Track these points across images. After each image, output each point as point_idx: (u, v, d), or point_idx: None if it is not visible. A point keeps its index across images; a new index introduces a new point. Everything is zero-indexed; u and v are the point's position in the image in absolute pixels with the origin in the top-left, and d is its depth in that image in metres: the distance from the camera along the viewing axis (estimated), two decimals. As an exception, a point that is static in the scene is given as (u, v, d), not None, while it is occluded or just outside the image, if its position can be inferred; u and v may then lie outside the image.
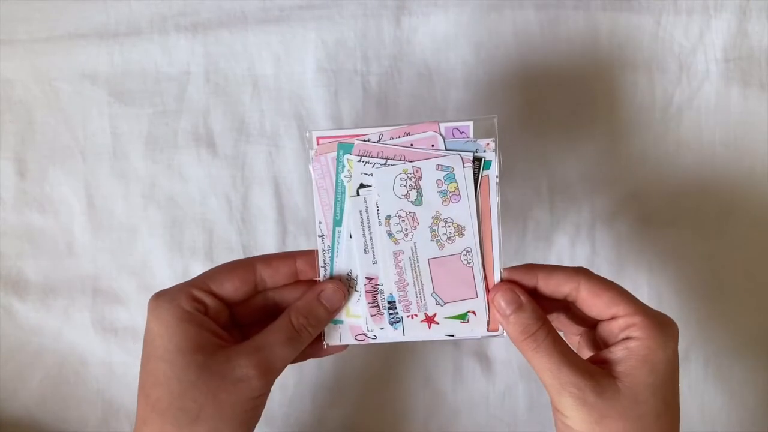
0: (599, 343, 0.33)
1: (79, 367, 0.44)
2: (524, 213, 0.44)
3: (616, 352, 0.31)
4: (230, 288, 0.32)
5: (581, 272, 0.32)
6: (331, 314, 0.32)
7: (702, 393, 0.46)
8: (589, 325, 0.34)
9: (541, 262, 0.44)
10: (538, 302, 0.31)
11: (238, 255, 0.43)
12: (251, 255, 0.43)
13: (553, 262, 0.45)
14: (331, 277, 0.33)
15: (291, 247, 0.44)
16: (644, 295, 0.45)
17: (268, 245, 0.44)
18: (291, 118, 0.44)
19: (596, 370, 0.30)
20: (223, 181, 0.44)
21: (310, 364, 0.44)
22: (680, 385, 0.45)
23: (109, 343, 0.43)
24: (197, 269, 0.43)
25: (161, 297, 0.31)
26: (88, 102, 0.43)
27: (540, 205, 0.44)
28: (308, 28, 0.43)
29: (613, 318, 0.31)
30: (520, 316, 0.31)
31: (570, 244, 0.45)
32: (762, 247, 0.45)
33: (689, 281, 0.45)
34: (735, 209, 0.45)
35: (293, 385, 0.44)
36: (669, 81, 0.45)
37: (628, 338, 0.30)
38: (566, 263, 0.45)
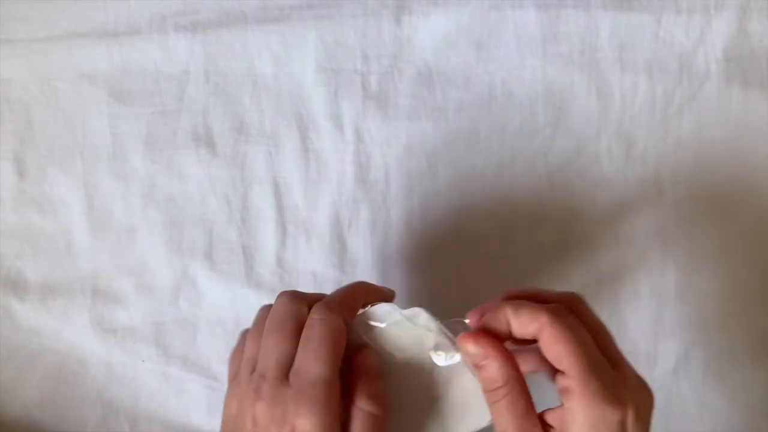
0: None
1: (79, 368, 0.44)
2: (524, 211, 0.44)
3: (553, 419, 0.30)
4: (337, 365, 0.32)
5: (547, 311, 0.30)
6: None
7: (702, 393, 0.46)
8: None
9: (546, 261, 0.44)
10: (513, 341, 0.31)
11: (237, 255, 0.43)
12: (251, 255, 0.43)
13: (553, 263, 0.45)
14: None
15: (291, 248, 0.44)
16: (644, 297, 0.45)
17: (268, 245, 0.44)
18: (291, 117, 0.44)
19: None
20: (222, 181, 0.43)
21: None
22: (681, 385, 0.45)
23: (108, 344, 0.43)
24: (197, 269, 0.43)
25: (316, 399, 0.30)
26: (87, 102, 0.43)
27: (540, 204, 0.44)
28: (308, 28, 0.43)
29: (561, 373, 0.30)
30: (485, 370, 0.30)
31: (570, 245, 0.45)
32: (762, 247, 0.45)
33: (689, 282, 0.45)
34: (735, 209, 0.45)
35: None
36: (669, 81, 0.44)
37: (563, 405, 0.29)
38: (566, 263, 0.45)
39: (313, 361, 0.30)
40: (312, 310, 0.32)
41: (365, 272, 0.44)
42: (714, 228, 0.45)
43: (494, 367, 0.30)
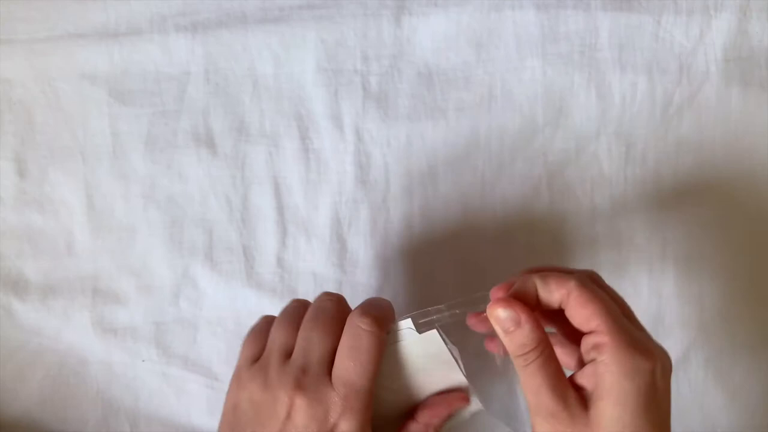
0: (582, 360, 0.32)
1: (79, 367, 0.44)
2: (524, 211, 0.44)
3: (585, 376, 0.30)
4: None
5: (574, 278, 0.31)
6: None
7: (702, 393, 0.46)
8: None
9: (546, 261, 0.44)
10: (539, 314, 0.32)
11: (238, 255, 0.43)
12: (251, 255, 0.43)
13: (553, 262, 0.45)
14: None
15: (291, 248, 0.44)
16: (644, 297, 0.45)
17: (269, 245, 0.44)
18: (291, 118, 0.44)
19: (573, 397, 0.30)
20: (222, 181, 0.43)
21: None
22: (681, 385, 0.45)
23: (108, 343, 0.43)
24: (197, 269, 0.43)
25: (360, 407, 0.31)
26: (87, 102, 0.43)
27: (539, 204, 0.44)
28: (308, 28, 0.43)
29: (590, 332, 0.31)
30: (516, 335, 0.31)
31: (570, 245, 0.45)
32: (762, 247, 0.45)
33: (689, 282, 0.45)
34: (735, 209, 0.45)
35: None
36: (669, 81, 0.45)
37: (595, 360, 0.30)
38: (565, 263, 0.45)
39: (360, 372, 0.31)
40: (358, 319, 0.33)
41: (365, 272, 0.44)
42: (714, 228, 0.45)
43: (526, 330, 0.30)
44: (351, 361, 0.31)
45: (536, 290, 0.32)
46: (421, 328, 0.33)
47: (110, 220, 0.43)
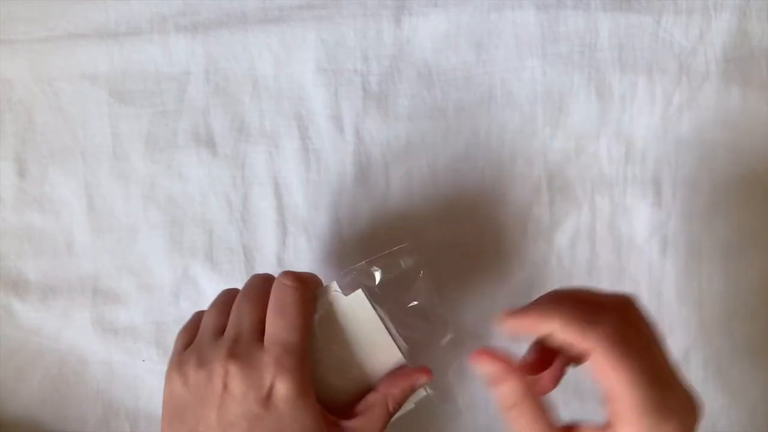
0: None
1: (79, 367, 0.44)
2: (524, 211, 0.44)
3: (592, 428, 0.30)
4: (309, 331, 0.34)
5: (600, 332, 0.28)
6: None
7: (702, 393, 0.45)
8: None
9: (540, 263, 0.44)
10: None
11: (238, 255, 0.43)
12: (252, 255, 0.43)
13: (553, 263, 0.45)
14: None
15: (291, 248, 0.44)
16: (644, 297, 0.45)
17: (269, 245, 0.44)
18: (291, 118, 0.44)
19: None
20: (223, 181, 0.44)
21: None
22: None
23: (109, 343, 0.43)
24: (197, 269, 0.43)
25: (294, 365, 0.31)
26: (88, 102, 0.43)
27: (539, 204, 0.44)
28: (308, 28, 0.43)
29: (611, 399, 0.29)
30: (500, 389, 0.31)
31: (570, 245, 0.45)
32: (762, 247, 0.45)
33: (689, 282, 0.45)
34: (735, 209, 0.45)
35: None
36: (669, 81, 0.45)
37: (609, 423, 0.28)
38: (565, 264, 0.45)
39: (288, 328, 0.32)
40: (282, 277, 0.34)
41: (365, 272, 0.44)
42: (714, 228, 0.45)
43: (507, 387, 0.30)
44: (278, 318, 0.32)
45: (554, 333, 0.29)
46: (346, 289, 0.35)
47: (110, 220, 0.43)
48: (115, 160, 0.43)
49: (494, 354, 0.31)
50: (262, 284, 0.35)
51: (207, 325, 0.34)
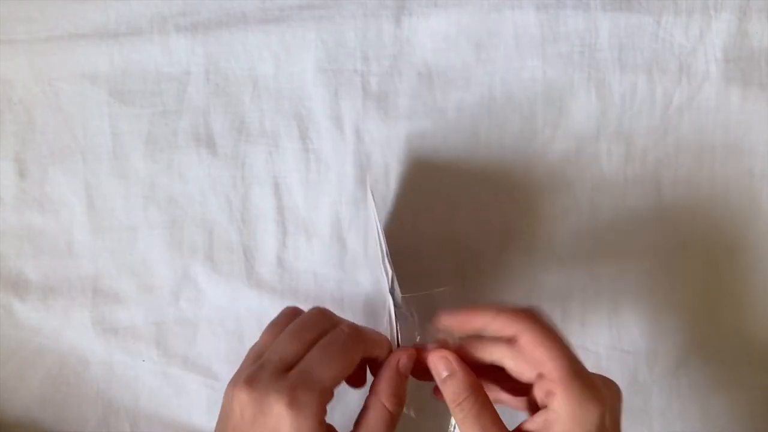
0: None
1: (79, 367, 0.44)
2: (524, 211, 0.44)
3: (535, 423, 0.31)
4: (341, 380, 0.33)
5: (527, 316, 0.32)
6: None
7: (702, 394, 0.46)
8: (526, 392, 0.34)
9: (540, 263, 0.44)
10: (473, 367, 0.33)
11: (238, 255, 0.43)
12: (252, 255, 0.43)
13: (553, 263, 0.45)
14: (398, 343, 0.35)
15: (291, 248, 0.44)
16: (644, 297, 0.45)
17: (269, 245, 0.44)
18: (291, 118, 0.44)
19: None
20: (223, 181, 0.44)
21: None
22: (681, 385, 0.45)
23: (109, 343, 0.43)
24: (197, 269, 0.43)
25: (304, 401, 0.30)
26: (88, 102, 0.43)
27: (539, 204, 0.44)
28: (308, 28, 0.43)
29: (540, 377, 0.31)
30: (449, 384, 0.32)
31: (570, 245, 0.45)
32: (762, 246, 0.45)
33: (689, 281, 0.45)
34: (734, 209, 0.45)
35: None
36: (669, 81, 0.45)
37: (547, 407, 0.31)
38: (566, 264, 0.45)
39: (323, 368, 0.31)
40: (345, 324, 0.34)
41: (365, 272, 0.44)
42: (713, 228, 0.45)
43: (458, 379, 0.32)
44: (318, 353, 0.32)
45: (488, 322, 0.33)
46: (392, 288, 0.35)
47: (110, 220, 0.43)
48: (115, 160, 0.43)
49: (443, 349, 0.33)
50: (317, 320, 0.34)
51: (255, 347, 0.35)
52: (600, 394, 0.30)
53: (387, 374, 0.34)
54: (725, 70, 0.45)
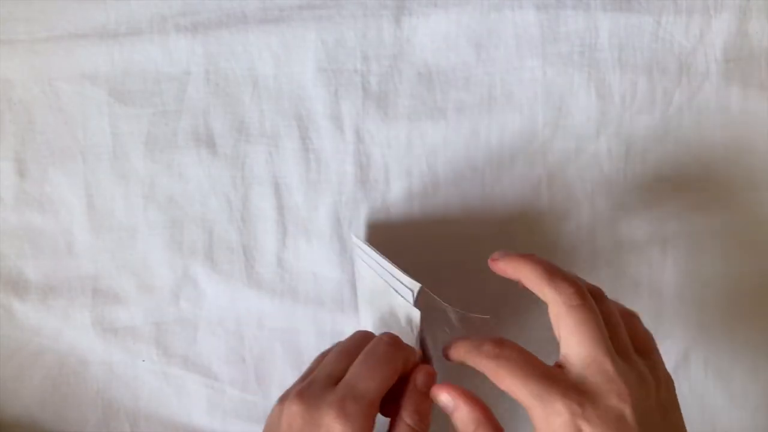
0: None
1: (79, 367, 0.44)
2: (524, 211, 0.44)
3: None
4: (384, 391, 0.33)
5: (490, 360, 0.32)
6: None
7: (702, 393, 0.46)
8: None
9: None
10: None
11: (238, 255, 0.43)
12: (252, 255, 0.43)
13: (553, 262, 0.45)
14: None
15: (291, 248, 0.44)
16: (644, 296, 0.45)
17: (269, 245, 0.44)
18: (291, 118, 0.44)
19: None
20: (223, 181, 0.44)
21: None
22: (681, 385, 0.45)
23: (109, 343, 0.43)
24: (197, 269, 0.43)
25: (352, 413, 0.31)
26: (88, 102, 0.43)
27: (539, 204, 0.44)
28: (308, 28, 0.43)
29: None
30: (456, 416, 0.32)
31: (570, 245, 0.45)
32: (762, 246, 0.45)
33: (689, 282, 0.45)
34: (734, 209, 0.45)
35: (293, 385, 0.44)
36: (669, 81, 0.45)
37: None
38: (566, 264, 0.45)
39: (367, 378, 0.32)
40: (383, 334, 0.34)
41: (365, 272, 0.44)
42: (714, 228, 0.45)
43: (465, 413, 0.32)
44: (361, 365, 0.32)
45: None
46: (417, 302, 0.35)
47: (110, 220, 0.43)
48: (115, 160, 0.43)
49: (450, 385, 0.33)
50: (360, 340, 0.35)
51: (312, 366, 0.36)
52: (563, 401, 0.30)
53: (408, 390, 0.34)
54: (725, 70, 0.45)
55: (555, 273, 0.33)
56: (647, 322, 0.45)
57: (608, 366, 0.30)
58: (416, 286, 0.35)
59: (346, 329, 0.44)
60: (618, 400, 0.29)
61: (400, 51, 0.44)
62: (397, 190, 0.44)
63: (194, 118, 0.43)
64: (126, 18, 0.43)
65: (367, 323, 0.41)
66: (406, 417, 0.33)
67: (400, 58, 0.44)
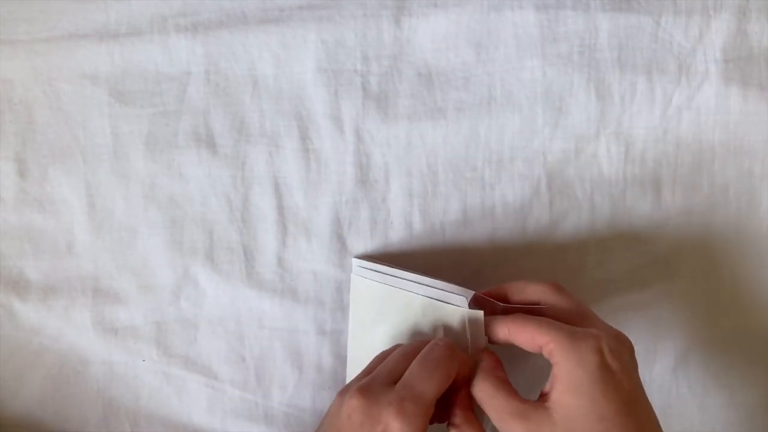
0: None
1: (80, 367, 0.44)
2: (524, 211, 0.45)
3: (548, 385, 0.33)
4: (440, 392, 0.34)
5: (516, 319, 0.35)
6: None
7: (702, 393, 0.46)
8: None
9: (545, 262, 0.44)
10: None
11: (238, 255, 0.43)
12: (252, 255, 0.43)
13: (553, 264, 0.45)
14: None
15: (291, 248, 0.44)
16: (644, 296, 0.45)
17: (269, 245, 0.44)
18: (291, 118, 0.44)
19: (529, 409, 0.32)
20: (223, 181, 0.44)
21: (311, 364, 0.44)
22: (681, 385, 0.45)
23: (109, 343, 0.43)
24: (198, 269, 0.43)
25: (410, 412, 0.32)
26: (88, 102, 0.43)
27: (539, 204, 0.45)
28: (308, 29, 0.43)
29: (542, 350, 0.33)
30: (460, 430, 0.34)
31: (569, 245, 0.45)
32: (762, 246, 0.45)
33: (689, 281, 0.45)
34: (734, 209, 0.45)
35: (293, 385, 0.44)
36: (669, 81, 0.45)
37: (553, 365, 0.32)
38: (566, 264, 0.45)
39: (425, 379, 0.33)
40: (438, 338, 0.36)
41: (365, 272, 0.44)
42: (713, 228, 0.45)
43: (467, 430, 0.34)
44: (418, 367, 0.33)
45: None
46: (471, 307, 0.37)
47: (111, 220, 0.43)
48: (115, 160, 0.43)
49: (466, 401, 0.35)
50: (422, 345, 0.36)
51: (373, 362, 0.37)
52: (590, 331, 0.32)
53: (463, 398, 0.35)
54: (725, 70, 0.45)
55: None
56: (647, 322, 0.45)
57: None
58: (469, 293, 0.37)
59: (346, 329, 0.44)
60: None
61: (400, 51, 0.44)
62: (397, 190, 0.44)
63: (194, 118, 0.43)
64: (126, 18, 0.43)
65: (373, 341, 0.41)
66: (458, 420, 0.34)
67: (400, 59, 0.44)
